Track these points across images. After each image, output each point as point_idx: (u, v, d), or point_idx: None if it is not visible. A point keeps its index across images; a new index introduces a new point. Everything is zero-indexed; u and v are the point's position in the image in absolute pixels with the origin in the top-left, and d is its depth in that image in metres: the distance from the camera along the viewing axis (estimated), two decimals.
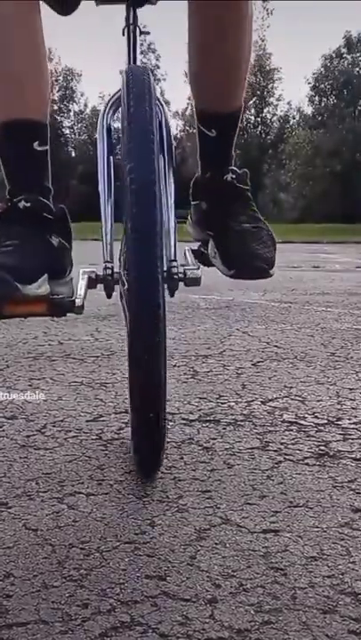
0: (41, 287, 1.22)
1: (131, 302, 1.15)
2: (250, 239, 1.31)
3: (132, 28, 1.58)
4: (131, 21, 1.58)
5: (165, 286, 1.20)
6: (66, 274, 1.35)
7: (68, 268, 1.37)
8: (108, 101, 1.48)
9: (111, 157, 1.41)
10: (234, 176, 1.41)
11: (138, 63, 1.62)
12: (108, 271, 1.29)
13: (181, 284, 1.31)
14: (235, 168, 1.42)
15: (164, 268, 1.20)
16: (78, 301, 1.28)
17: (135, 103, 1.19)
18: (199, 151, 1.44)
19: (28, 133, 1.29)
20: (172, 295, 1.28)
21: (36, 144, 1.29)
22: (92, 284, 1.33)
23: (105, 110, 1.45)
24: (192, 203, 1.47)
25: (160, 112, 1.33)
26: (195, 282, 1.33)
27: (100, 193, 1.39)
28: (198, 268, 1.34)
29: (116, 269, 1.30)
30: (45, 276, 1.24)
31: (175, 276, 1.28)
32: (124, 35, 1.60)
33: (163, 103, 1.39)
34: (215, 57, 1.29)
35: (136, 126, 1.17)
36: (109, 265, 1.30)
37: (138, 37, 1.59)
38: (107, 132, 1.42)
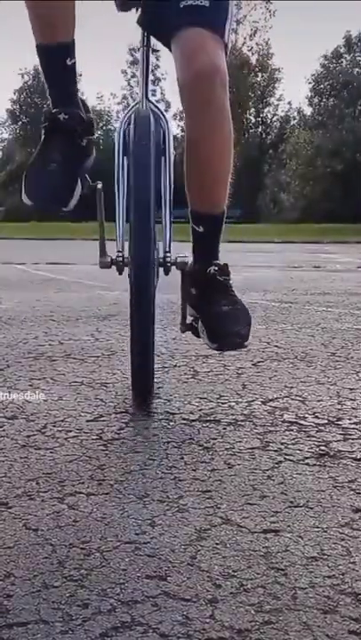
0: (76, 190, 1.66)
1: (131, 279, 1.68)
2: (228, 321, 1.64)
3: (144, 50, 1.83)
4: (145, 44, 1.83)
5: (162, 269, 1.78)
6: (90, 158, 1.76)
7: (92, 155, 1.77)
8: (122, 122, 1.81)
9: (125, 170, 1.81)
10: (216, 269, 1.72)
11: (150, 87, 1.85)
12: (120, 257, 1.75)
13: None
14: (218, 262, 1.74)
15: (160, 256, 1.78)
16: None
17: (136, 143, 1.68)
18: (192, 244, 1.78)
19: (61, 52, 1.60)
20: (166, 274, 1.81)
21: (67, 60, 1.61)
22: (107, 265, 1.79)
23: (119, 131, 1.81)
24: (188, 289, 1.80)
25: (165, 124, 1.78)
26: (183, 265, 1.79)
27: (116, 200, 1.83)
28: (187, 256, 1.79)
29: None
30: (79, 181, 1.69)
31: (168, 263, 1.78)
32: (133, 56, 2.01)
33: (167, 119, 1.80)
34: (205, 176, 1.65)
35: (135, 162, 1.68)
36: (120, 253, 1.76)
37: (150, 60, 1.85)
38: (123, 149, 1.79)
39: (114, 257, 1.77)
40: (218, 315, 1.65)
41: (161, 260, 1.78)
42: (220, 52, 1.52)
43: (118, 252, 1.76)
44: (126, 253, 1.73)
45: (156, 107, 1.82)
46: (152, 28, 1.77)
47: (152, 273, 1.70)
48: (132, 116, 1.74)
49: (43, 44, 1.61)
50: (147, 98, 1.80)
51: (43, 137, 1.67)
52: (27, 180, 1.60)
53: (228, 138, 1.60)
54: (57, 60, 1.63)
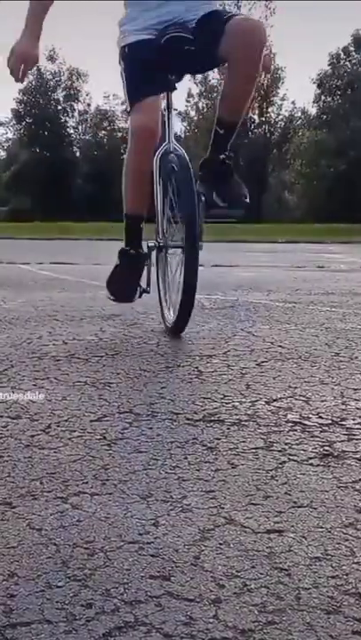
0: None
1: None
2: (237, 187, 2.61)
3: (168, 112, 2.71)
4: (169, 105, 2.72)
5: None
6: None
7: None
8: (157, 154, 2.68)
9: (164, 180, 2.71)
10: (226, 155, 2.62)
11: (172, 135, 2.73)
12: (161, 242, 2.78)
13: None
14: (227, 152, 2.61)
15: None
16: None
17: (177, 170, 2.55)
18: (211, 140, 2.63)
19: (140, 219, 2.72)
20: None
21: (142, 224, 2.73)
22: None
23: (156, 160, 2.69)
24: (200, 172, 2.67)
25: (181, 152, 2.62)
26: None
27: (156, 206, 2.73)
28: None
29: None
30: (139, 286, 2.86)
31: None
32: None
33: (182, 149, 2.64)
34: (240, 94, 2.56)
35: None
36: (160, 239, 2.77)
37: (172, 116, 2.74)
38: (161, 170, 2.70)
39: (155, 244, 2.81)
40: (230, 184, 2.62)
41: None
42: (264, 31, 2.53)
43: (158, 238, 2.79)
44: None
45: (177, 145, 2.71)
46: (200, 62, 2.70)
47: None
48: (165, 151, 2.70)
49: (133, 214, 2.73)
50: (170, 141, 2.71)
51: (119, 262, 2.82)
52: (112, 286, 2.83)
53: (256, 80, 2.59)
54: (138, 224, 2.73)
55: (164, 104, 2.70)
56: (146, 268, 2.75)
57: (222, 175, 2.61)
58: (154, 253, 2.83)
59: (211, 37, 2.47)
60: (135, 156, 2.57)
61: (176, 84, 2.70)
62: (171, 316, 2.76)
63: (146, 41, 2.58)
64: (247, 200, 2.62)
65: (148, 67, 2.56)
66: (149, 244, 2.76)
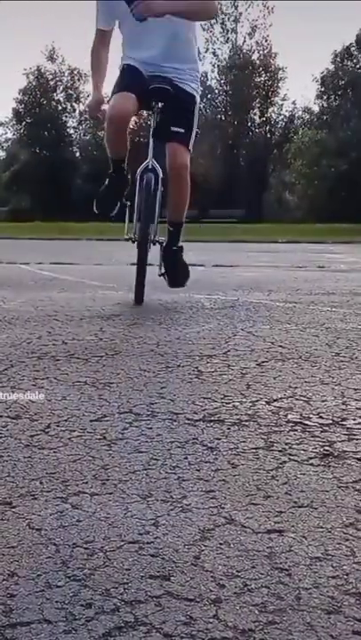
0: None
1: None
2: (181, 275, 3.80)
3: (150, 134, 3.61)
4: (152, 136, 3.65)
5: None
6: None
7: None
8: (141, 169, 3.61)
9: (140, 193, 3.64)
10: (176, 247, 3.73)
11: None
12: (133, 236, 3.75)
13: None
14: (179, 245, 3.73)
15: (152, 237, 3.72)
16: None
17: (141, 191, 3.57)
18: (166, 236, 3.73)
19: (121, 159, 3.63)
20: (153, 244, 3.71)
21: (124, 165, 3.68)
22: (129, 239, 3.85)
23: (140, 173, 3.64)
24: (162, 262, 3.84)
25: (159, 172, 3.58)
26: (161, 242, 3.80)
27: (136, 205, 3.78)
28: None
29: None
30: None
31: (155, 241, 3.76)
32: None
33: (158, 169, 3.58)
34: (179, 206, 3.65)
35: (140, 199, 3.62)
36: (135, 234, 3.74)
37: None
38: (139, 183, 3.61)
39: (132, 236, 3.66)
40: (176, 271, 3.76)
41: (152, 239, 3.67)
42: (187, 155, 3.54)
43: (134, 234, 3.68)
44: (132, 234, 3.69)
45: (155, 165, 3.61)
46: (156, 135, 3.62)
47: (147, 246, 3.62)
48: (147, 166, 3.61)
49: (116, 158, 3.66)
50: (152, 158, 3.61)
51: (107, 182, 3.74)
52: (98, 202, 3.74)
53: (187, 192, 3.59)
54: (121, 161, 3.67)
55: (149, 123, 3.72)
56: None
57: (173, 263, 3.79)
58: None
59: (169, 109, 3.64)
60: (108, 127, 3.56)
61: (156, 109, 3.60)
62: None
63: (137, 68, 3.59)
64: (184, 286, 3.90)
65: (129, 76, 3.58)
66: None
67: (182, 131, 3.55)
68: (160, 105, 3.57)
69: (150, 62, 3.58)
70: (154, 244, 3.70)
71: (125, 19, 3.60)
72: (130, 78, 3.54)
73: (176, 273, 3.79)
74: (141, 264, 3.58)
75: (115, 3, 3.58)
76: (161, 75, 3.56)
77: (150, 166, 3.58)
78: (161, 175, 3.62)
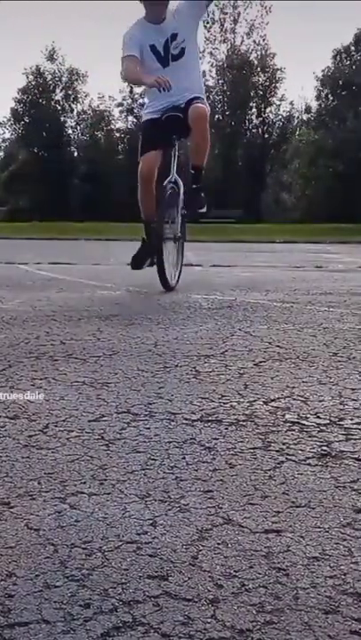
0: None
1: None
2: (196, 204, 4.64)
3: (173, 157, 4.51)
4: (175, 153, 4.57)
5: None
6: None
7: None
8: (166, 184, 4.52)
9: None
10: (198, 185, 4.56)
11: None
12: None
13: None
14: (199, 184, 4.56)
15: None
16: None
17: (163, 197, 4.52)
18: (189, 177, 4.54)
19: (150, 222, 4.60)
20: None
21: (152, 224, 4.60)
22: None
23: (166, 185, 4.55)
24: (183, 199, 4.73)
25: (181, 187, 4.61)
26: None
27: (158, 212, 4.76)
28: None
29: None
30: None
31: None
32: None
33: (180, 184, 4.59)
34: (203, 151, 4.47)
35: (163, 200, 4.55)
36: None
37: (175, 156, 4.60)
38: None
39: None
40: (194, 202, 4.59)
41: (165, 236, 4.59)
42: (207, 110, 4.41)
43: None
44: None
45: (177, 179, 4.54)
46: (176, 131, 4.52)
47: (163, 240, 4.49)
48: (171, 179, 4.53)
49: (147, 220, 4.62)
50: (175, 174, 4.55)
51: (141, 246, 4.72)
52: (134, 260, 4.71)
53: (208, 139, 4.43)
54: (150, 224, 4.56)
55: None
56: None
57: (193, 197, 4.63)
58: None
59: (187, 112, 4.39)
60: (141, 187, 4.56)
61: (176, 142, 4.58)
62: (170, 281, 4.58)
63: (154, 119, 4.55)
64: (203, 210, 4.70)
65: (150, 137, 4.54)
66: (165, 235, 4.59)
67: (200, 96, 4.49)
68: (178, 140, 4.62)
69: (168, 102, 4.48)
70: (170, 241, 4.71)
71: (146, 65, 4.42)
72: (151, 135, 4.55)
73: (194, 203, 4.64)
74: (159, 254, 4.38)
75: (142, 43, 4.41)
76: (174, 105, 4.46)
77: (173, 180, 4.57)
78: (182, 188, 4.61)
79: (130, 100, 41.88)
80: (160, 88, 4.21)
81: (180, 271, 4.80)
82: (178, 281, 4.70)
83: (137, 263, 4.68)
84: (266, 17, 42.18)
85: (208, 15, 40.91)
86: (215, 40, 42.01)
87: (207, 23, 41.46)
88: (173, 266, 4.70)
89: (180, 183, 4.57)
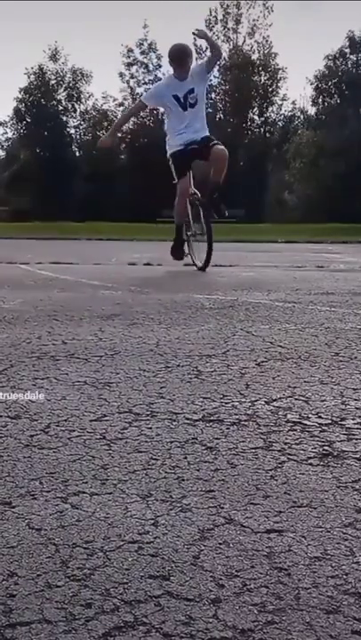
0: None
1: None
2: (221, 209, 6.49)
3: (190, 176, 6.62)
4: (191, 173, 6.67)
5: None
6: None
7: None
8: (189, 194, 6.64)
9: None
10: (217, 195, 6.43)
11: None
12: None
13: None
14: (217, 195, 6.46)
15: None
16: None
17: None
18: (209, 191, 6.54)
19: (182, 225, 6.79)
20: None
21: (183, 227, 6.83)
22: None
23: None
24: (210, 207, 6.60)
25: (198, 194, 6.59)
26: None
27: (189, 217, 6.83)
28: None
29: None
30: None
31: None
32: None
33: (197, 192, 6.58)
34: (222, 173, 6.37)
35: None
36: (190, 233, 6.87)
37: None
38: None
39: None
40: (219, 208, 6.41)
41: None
42: (225, 150, 6.42)
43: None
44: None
45: (196, 191, 6.52)
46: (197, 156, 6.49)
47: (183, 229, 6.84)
48: (193, 192, 6.55)
49: (179, 224, 6.78)
50: (191, 187, 6.53)
51: (175, 238, 6.86)
52: (172, 252, 6.88)
53: (226, 165, 6.35)
54: (182, 227, 6.75)
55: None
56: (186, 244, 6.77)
57: (217, 205, 6.39)
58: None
59: (205, 147, 6.29)
60: (180, 199, 6.44)
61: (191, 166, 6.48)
62: (199, 263, 6.51)
63: (179, 150, 6.40)
64: (225, 213, 6.40)
65: (182, 162, 6.40)
66: (187, 234, 6.70)
67: (213, 138, 6.51)
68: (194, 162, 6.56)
69: (189, 138, 6.44)
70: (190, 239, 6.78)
71: (171, 110, 6.49)
72: (181, 163, 6.43)
73: (219, 209, 6.41)
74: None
75: (165, 95, 6.45)
76: (194, 139, 6.44)
77: (193, 192, 6.48)
78: (199, 195, 6.49)
79: (131, 100, 41.84)
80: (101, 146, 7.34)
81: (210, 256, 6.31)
82: (207, 264, 6.36)
83: (179, 255, 6.84)
84: (268, 17, 42.12)
85: (211, 14, 41.02)
86: (218, 39, 41.99)
87: (209, 23, 41.48)
88: (199, 253, 6.56)
89: (198, 194, 6.49)
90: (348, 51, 39.37)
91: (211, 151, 6.28)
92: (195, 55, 6.99)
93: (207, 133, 6.51)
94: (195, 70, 6.48)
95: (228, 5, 41.20)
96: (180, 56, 6.43)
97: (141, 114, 32.10)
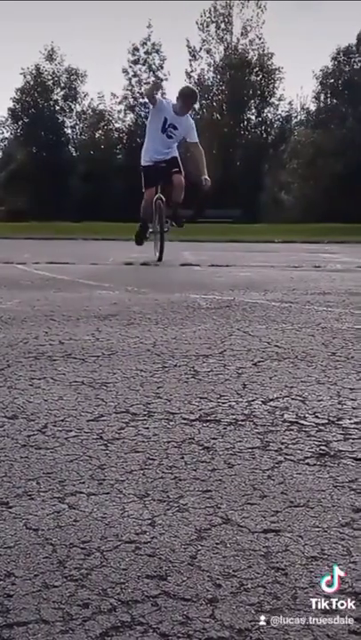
0: None
1: None
2: (179, 221, 8.19)
3: (156, 192, 7.89)
4: (157, 190, 7.94)
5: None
6: None
7: None
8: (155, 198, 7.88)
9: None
10: (178, 211, 8.15)
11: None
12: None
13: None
14: (178, 211, 8.11)
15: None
16: None
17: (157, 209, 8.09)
18: (172, 210, 8.06)
19: (146, 223, 8.35)
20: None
21: (148, 224, 8.29)
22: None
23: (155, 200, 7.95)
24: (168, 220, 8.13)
25: (162, 199, 7.93)
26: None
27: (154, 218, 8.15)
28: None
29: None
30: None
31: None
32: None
33: (162, 197, 7.90)
34: (177, 197, 7.90)
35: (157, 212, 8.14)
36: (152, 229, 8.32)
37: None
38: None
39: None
40: (179, 219, 8.12)
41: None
42: (182, 177, 7.73)
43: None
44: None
45: (161, 196, 7.77)
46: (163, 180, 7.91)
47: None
48: (159, 196, 7.83)
49: (143, 222, 8.14)
50: (158, 192, 7.78)
51: (139, 228, 8.32)
52: (136, 238, 8.43)
53: (183, 192, 7.71)
54: (146, 224, 8.17)
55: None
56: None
57: (177, 218, 7.96)
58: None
59: (170, 168, 7.63)
60: (145, 203, 7.73)
61: (160, 183, 7.66)
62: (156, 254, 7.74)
63: (150, 165, 7.70)
64: (182, 224, 8.18)
65: (150, 176, 7.68)
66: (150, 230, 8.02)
67: (178, 169, 7.62)
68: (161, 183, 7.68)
69: (159, 158, 7.62)
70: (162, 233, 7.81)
71: (156, 124, 7.63)
72: (149, 176, 7.65)
73: (178, 219, 7.88)
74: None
75: (164, 109, 7.56)
76: (164, 159, 7.61)
77: (158, 197, 7.59)
78: (164, 199, 7.62)
79: (132, 99, 41.85)
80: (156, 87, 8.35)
81: (162, 252, 7.66)
82: (161, 257, 7.64)
83: (139, 240, 8.23)
84: (262, 16, 42.02)
85: (205, 15, 41.02)
86: (212, 40, 42.00)
87: (202, 25, 41.44)
88: (158, 248, 7.77)
89: (163, 198, 7.65)
90: (354, 49, 39.33)
91: (172, 178, 7.59)
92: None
93: (176, 154, 7.74)
94: (188, 122, 7.71)
95: (219, 6, 41.18)
96: (189, 99, 7.80)
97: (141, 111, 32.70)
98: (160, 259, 7.58)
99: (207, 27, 41.50)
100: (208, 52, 41.99)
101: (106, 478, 1.28)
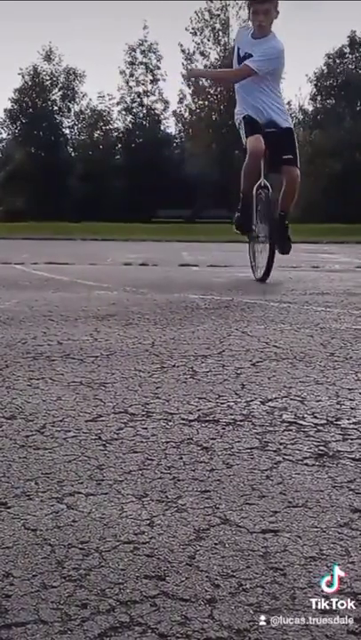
0: None
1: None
2: (286, 245, 5.43)
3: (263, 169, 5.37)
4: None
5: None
6: None
7: None
8: (258, 185, 5.26)
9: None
10: (287, 222, 5.41)
11: None
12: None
13: None
14: (286, 222, 5.41)
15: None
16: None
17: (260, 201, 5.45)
18: (278, 216, 5.38)
19: (250, 192, 5.32)
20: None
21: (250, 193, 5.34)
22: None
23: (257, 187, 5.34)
24: (273, 236, 5.28)
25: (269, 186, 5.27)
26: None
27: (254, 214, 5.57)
28: None
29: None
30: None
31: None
32: None
33: (267, 183, 5.26)
34: (292, 201, 5.33)
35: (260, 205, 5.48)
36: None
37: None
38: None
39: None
40: (284, 242, 5.28)
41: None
42: (297, 171, 5.28)
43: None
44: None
45: (266, 182, 5.19)
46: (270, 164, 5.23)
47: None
48: (260, 184, 5.20)
49: (245, 192, 5.31)
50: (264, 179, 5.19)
51: (240, 209, 5.50)
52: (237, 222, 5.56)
53: (296, 194, 5.31)
54: (250, 194, 5.28)
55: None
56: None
57: (282, 235, 5.30)
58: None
59: (286, 147, 5.21)
60: (249, 160, 5.14)
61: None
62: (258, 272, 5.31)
63: (254, 117, 5.22)
64: (289, 253, 5.55)
65: (254, 125, 5.18)
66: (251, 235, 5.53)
67: (291, 157, 5.21)
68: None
69: (260, 114, 5.27)
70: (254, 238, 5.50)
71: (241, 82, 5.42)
72: (254, 125, 5.21)
73: (284, 244, 5.33)
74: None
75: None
76: (270, 120, 5.23)
77: (263, 184, 5.22)
78: (270, 190, 5.24)
79: (129, 100, 41.81)
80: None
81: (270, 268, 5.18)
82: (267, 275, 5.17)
83: (243, 228, 5.60)
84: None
85: (194, 21, 40.95)
86: (207, 42, 41.96)
87: (193, 29, 41.33)
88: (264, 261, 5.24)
89: (270, 187, 5.25)
90: (347, 50, 39.35)
91: (284, 175, 5.40)
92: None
93: (284, 110, 5.65)
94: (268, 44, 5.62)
95: (213, 9, 41.10)
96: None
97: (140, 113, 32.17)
98: (265, 278, 5.10)
99: (201, 31, 41.43)
100: (203, 54, 41.89)
101: (104, 478, 1.28)
